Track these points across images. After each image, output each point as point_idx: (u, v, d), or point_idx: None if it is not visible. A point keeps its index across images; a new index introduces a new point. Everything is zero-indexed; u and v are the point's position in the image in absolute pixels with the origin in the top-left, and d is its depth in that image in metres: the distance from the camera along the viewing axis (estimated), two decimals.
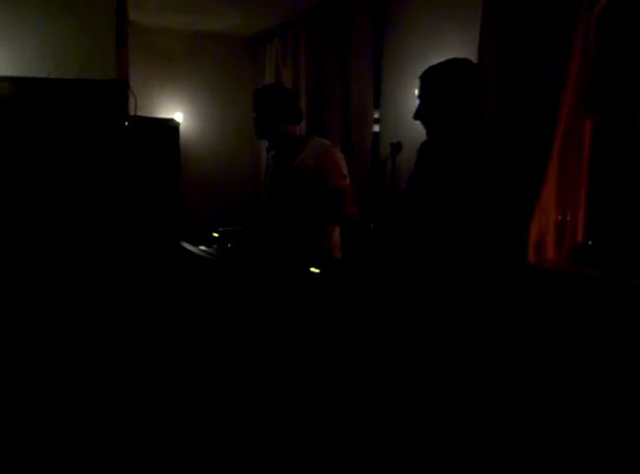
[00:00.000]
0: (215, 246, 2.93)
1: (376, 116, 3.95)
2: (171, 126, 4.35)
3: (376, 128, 3.94)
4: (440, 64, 2.15)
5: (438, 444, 1.97)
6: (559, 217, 2.71)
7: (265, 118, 2.91)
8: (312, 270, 2.13)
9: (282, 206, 2.97)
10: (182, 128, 4.73)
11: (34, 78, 3.42)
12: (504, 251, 2.02)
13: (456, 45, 3.24)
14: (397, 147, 2.94)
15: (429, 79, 2.16)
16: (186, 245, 2.98)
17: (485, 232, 2.00)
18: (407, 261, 2.17)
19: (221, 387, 2.78)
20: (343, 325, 2.02)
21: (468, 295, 2.02)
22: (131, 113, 3.99)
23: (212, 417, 2.77)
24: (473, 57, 2.91)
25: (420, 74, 2.21)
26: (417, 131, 2.33)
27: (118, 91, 3.65)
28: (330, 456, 2.11)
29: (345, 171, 2.90)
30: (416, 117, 2.20)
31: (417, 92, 2.22)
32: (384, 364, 2.02)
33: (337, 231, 3.01)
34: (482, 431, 2.00)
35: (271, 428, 2.40)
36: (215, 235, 3.07)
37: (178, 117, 5.12)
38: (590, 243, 2.68)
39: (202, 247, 2.93)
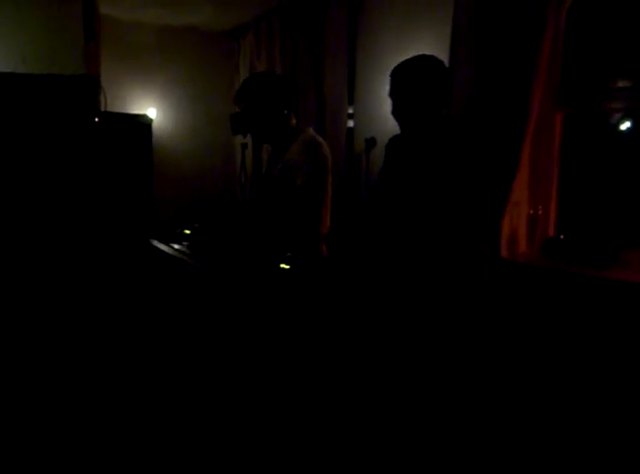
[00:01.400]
0: (186, 243, 2.89)
1: (350, 111, 3.93)
2: (143, 122, 4.30)
3: (350, 124, 3.93)
4: (409, 61, 2.17)
5: (407, 432, 1.97)
6: (531, 211, 2.72)
7: (247, 113, 2.68)
8: (282, 266, 2.11)
9: (273, 210, 2.74)
10: (155, 124, 4.67)
11: None
12: (470, 244, 2.03)
13: (429, 41, 3.24)
14: (371, 142, 2.93)
15: (399, 76, 2.17)
16: (156, 243, 2.93)
17: (451, 226, 2.01)
18: (378, 255, 2.17)
19: (194, 384, 2.75)
20: (315, 319, 2.01)
21: (436, 287, 2.02)
22: (102, 108, 3.92)
23: (188, 414, 2.74)
24: (445, 53, 2.91)
25: (392, 69, 2.22)
26: (390, 127, 2.33)
27: (87, 86, 3.59)
28: (306, 449, 2.10)
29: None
30: (394, 115, 2.22)
31: (388, 91, 2.22)
32: (357, 358, 2.01)
33: None
34: (450, 420, 2.00)
35: (246, 423, 2.38)
36: (187, 232, 3.03)
37: (151, 112, 5.05)
38: (561, 237, 2.69)
39: (174, 244, 2.89)
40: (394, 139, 2.34)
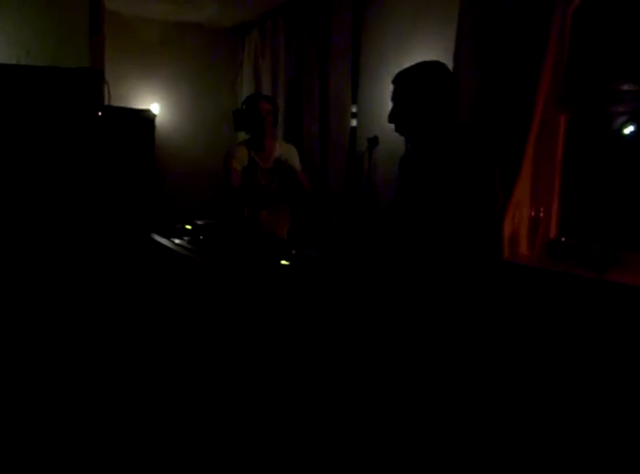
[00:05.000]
0: (187, 238, 2.89)
1: (354, 110, 3.93)
2: (146, 117, 4.30)
3: (354, 123, 3.93)
4: (412, 67, 2.18)
5: (407, 431, 1.97)
6: (532, 213, 2.72)
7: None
8: (282, 262, 2.10)
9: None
10: (158, 120, 4.67)
11: (3, 64, 3.34)
12: (476, 248, 2.03)
13: (433, 42, 3.23)
14: (374, 141, 2.91)
15: (401, 83, 2.18)
16: (157, 237, 2.94)
17: (459, 230, 2.01)
18: (392, 259, 2.17)
19: (195, 379, 2.75)
20: (316, 316, 2.01)
21: (439, 289, 2.02)
22: (106, 102, 3.92)
23: (189, 411, 2.74)
24: (450, 54, 2.91)
25: (395, 74, 2.22)
26: (393, 126, 2.32)
27: (91, 80, 3.58)
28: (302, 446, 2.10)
29: None
30: (390, 120, 2.22)
31: (390, 95, 2.23)
32: (358, 355, 2.01)
33: None
34: (452, 422, 1.99)
35: (247, 420, 2.38)
36: (188, 227, 3.03)
37: (154, 108, 5.05)
38: (562, 239, 2.69)
39: (175, 239, 2.89)
40: (405, 157, 2.35)
